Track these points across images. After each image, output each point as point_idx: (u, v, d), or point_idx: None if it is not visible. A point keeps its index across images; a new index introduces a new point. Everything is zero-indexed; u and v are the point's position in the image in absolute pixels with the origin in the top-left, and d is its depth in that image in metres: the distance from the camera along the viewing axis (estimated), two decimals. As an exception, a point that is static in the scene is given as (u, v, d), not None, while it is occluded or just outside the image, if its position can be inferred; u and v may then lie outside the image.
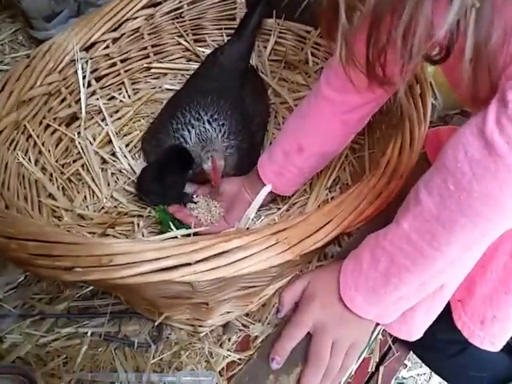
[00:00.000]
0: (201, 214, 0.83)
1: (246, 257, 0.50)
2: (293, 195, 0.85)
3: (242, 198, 0.82)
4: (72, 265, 0.47)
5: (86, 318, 0.71)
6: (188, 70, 1.02)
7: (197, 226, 0.78)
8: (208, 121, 0.81)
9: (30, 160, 0.75)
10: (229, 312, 0.74)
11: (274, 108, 0.99)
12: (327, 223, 0.56)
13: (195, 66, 1.00)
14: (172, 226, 0.75)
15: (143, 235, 0.78)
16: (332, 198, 0.83)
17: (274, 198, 0.85)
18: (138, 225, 0.80)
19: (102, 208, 0.83)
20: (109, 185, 0.86)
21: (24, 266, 0.49)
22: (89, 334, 0.69)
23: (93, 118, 0.91)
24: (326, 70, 0.69)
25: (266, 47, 1.02)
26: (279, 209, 0.85)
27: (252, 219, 0.85)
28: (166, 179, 0.80)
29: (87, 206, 0.82)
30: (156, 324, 0.68)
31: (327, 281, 0.54)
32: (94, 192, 0.84)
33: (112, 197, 0.85)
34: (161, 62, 1.01)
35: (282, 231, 0.53)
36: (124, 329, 0.71)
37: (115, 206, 0.83)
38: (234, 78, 0.92)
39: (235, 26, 1.01)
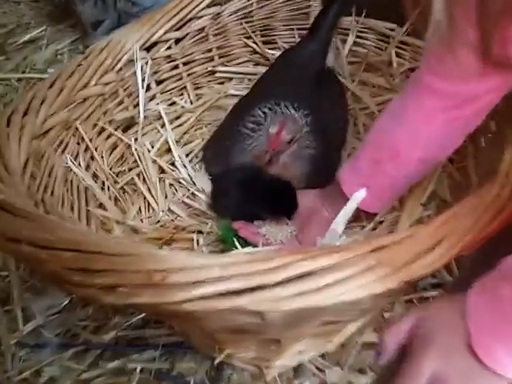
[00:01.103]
0: (269, 232, 0.72)
1: (339, 280, 0.38)
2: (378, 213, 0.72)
3: (318, 215, 0.70)
4: (115, 282, 0.36)
5: (135, 351, 0.61)
6: (255, 75, 0.92)
7: (265, 246, 0.67)
8: (290, 105, 0.71)
9: (80, 165, 0.67)
10: (302, 352, 0.61)
11: (353, 115, 0.87)
12: (441, 240, 0.43)
13: (263, 70, 0.91)
14: (237, 244, 0.64)
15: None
16: (428, 217, 0.70)
17: (356, 217, 0.72)
18: (198, 242, 0.70)
19: (158, 222, 0.73)
20: (166, 197, 0.77)
21: (57, 284, 0.39)
22: (138, 370, 0.59)
23: (151, 123, 0.83)
24: (427, 55, 0.57)
25: (343, 47, 0.92)
26: (363, 227, 0.72)
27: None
28: (254, 202, 0.70)
29: (141, 219, 0.73)
30: (215, 363, 0.57)
31: (447, 319, 0.40)
32: (149, 204, 0.75)
33: (169, 210, 0.75)
34: (226, 66, 0.92)
35: (384, 249, 0.41)
36: (178, 365, 0.60)
37: (172, 220, 0.73)
38: (307, 81, 0.81)
39: (308, 26, 0.91)
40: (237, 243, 0.66)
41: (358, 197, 0.58)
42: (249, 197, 0.71)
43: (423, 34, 0.58)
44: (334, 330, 0.59)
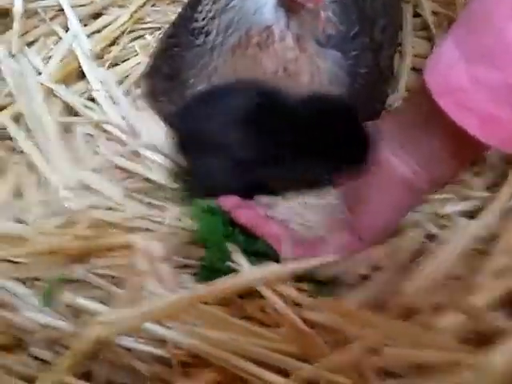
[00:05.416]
0: (292, 212, 0.38)
1: None
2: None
3: (389, 172, 0.37)
4: None
5: None
6: None
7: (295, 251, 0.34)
8: None
9: None
10: None
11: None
12: None
13: None
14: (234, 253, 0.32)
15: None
16: None
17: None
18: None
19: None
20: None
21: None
22: None
23: (45, 21, 0.47)
24: None
25: None
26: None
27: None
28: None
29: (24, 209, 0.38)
30: None
31: None
32: (41, 176, 0.39)
33: (83, 185, 0.39)
34: None
35: None
36: None
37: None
38: None
39: None
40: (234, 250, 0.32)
41: None
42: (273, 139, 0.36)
43: None
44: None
